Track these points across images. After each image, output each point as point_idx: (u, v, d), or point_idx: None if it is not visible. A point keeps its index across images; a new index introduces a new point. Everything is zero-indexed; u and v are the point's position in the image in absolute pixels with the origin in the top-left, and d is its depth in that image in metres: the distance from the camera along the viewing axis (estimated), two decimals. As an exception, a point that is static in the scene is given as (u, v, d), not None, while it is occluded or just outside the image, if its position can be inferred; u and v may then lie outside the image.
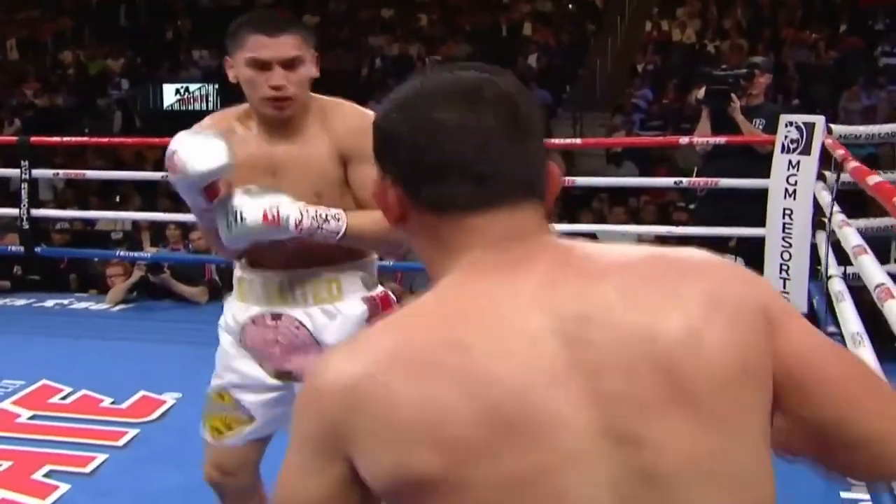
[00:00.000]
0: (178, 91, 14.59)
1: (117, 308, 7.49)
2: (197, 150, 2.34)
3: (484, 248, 1.09)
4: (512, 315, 1.05)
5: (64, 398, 5.32)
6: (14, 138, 8.31)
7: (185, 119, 10.63)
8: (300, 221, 2.37)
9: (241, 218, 2.35)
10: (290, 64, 2.41)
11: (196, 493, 3.41)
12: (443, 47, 15.08)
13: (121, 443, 4.70)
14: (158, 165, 9.13)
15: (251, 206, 2.35)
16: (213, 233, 2.54)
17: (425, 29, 15.74)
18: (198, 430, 3.60)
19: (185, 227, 7.99)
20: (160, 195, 10.10)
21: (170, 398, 5.23)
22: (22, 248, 7.64)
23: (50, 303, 7.77)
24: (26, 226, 7.58)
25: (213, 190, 2.39)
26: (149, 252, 7.95)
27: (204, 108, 14.19)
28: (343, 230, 2.42)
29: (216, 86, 14.37)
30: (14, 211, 7.69)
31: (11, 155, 8.20)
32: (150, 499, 4.07)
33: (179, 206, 7.08)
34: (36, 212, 7.66)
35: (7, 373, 5.57)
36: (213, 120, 2.68)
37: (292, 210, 2.38)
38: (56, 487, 4.16)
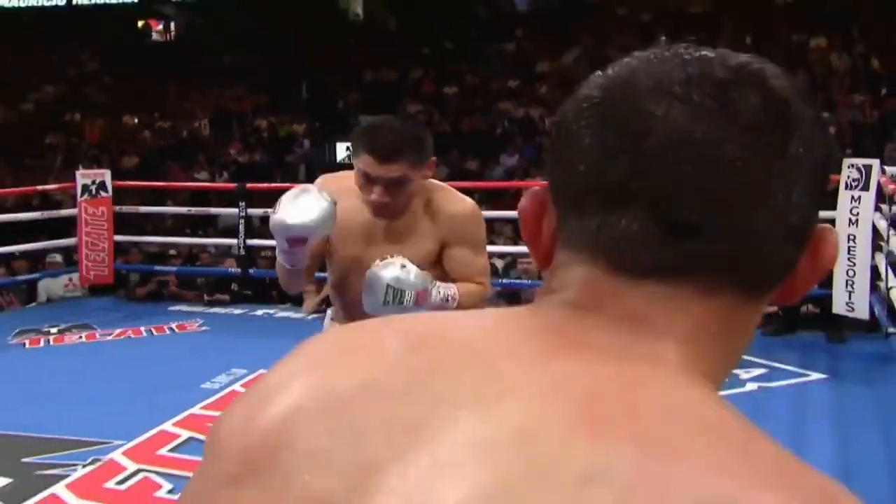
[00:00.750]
0: (347, 148, 15.39)
1: (311, 317, 7.86)
2: (295, 207, 2.26)
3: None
4: None
5: None
6: (233, 185, 8.95)
7: (352, 169, 11.67)
8: (433, 300, 2.31)
9: (402, 296, 2.26)
10: (394, 183, 2.30)
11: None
12: (558, 109, 15.48)
13: None
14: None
15: (410, 285, 2.27)
16: (287, 271, 2.48)
17: (544, 95, 15.90)
18: None
19: None
20: None
21: None
22: (239, 270, 8.43)
23: (259, 312, 8.28)
24: (242, 252, 8.37)
25: (299, 241, 2.32)
26: None
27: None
28: (453, 307, 2.33)
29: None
30: (232, 241, 8.56)
31: (227, 198, 9.05)
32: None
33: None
34: (250, 241, 8.36)
35: (233, 363, 6.01)
36: (339, 179, 2.58)
37: (434, 290, 2.34)
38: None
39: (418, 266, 2.35)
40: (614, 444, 0.49)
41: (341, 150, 15.21)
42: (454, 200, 2.50)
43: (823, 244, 0.61)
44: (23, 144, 17.65)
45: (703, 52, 0.61)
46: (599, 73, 0.64)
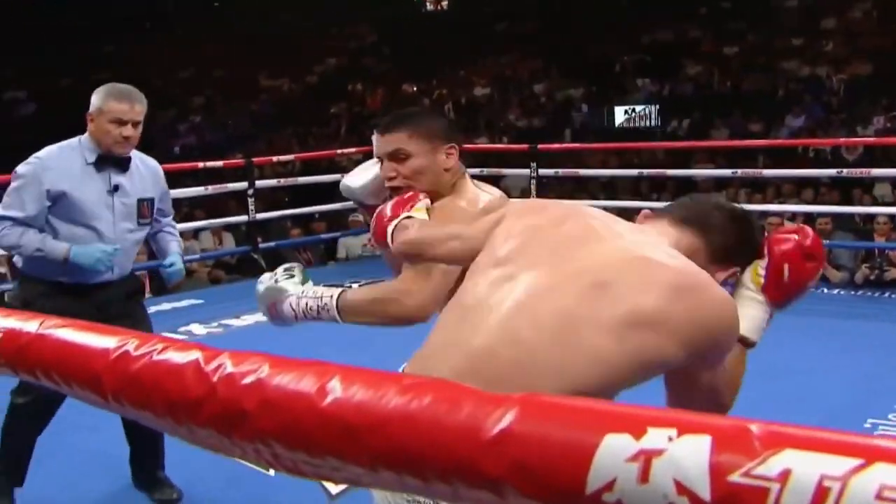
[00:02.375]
0: (626, 111, 16.04)
1: None
2: (356, 172, 2.52)
3: None
4: None
5: None
6: (525, 146, 9.65)
7: (631, 134, 12.49)
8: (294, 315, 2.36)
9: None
10: (394, 156, 2.32)
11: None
12: (847, 67, 15.27)
13: None
14: (623, 164, 10.60)
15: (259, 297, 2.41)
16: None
17: (830, 52, 15.99)
18: None
19: None
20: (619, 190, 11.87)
21: None
22: None
23: None
24: None
25: (365, 207, 2.52)
26: None
27: (647, 124, 15.68)
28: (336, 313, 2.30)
29: (657, 106, 15.80)
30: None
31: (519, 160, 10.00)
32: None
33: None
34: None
35: None
36: None
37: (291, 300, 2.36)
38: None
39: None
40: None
41: (619, 114, 15.79)
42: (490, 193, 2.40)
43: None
44: (308, 114, 19.83)
45: (715, 202, 1.93)
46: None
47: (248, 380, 0.83)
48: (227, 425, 0.83)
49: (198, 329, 6.52)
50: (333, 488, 3.31)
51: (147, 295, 8.10)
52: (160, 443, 3.71)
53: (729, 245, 1.77)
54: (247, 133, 19.24)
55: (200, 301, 7.50)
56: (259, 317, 6.71)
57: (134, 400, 0.92)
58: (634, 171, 9.57)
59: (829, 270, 7.50)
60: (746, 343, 1.80)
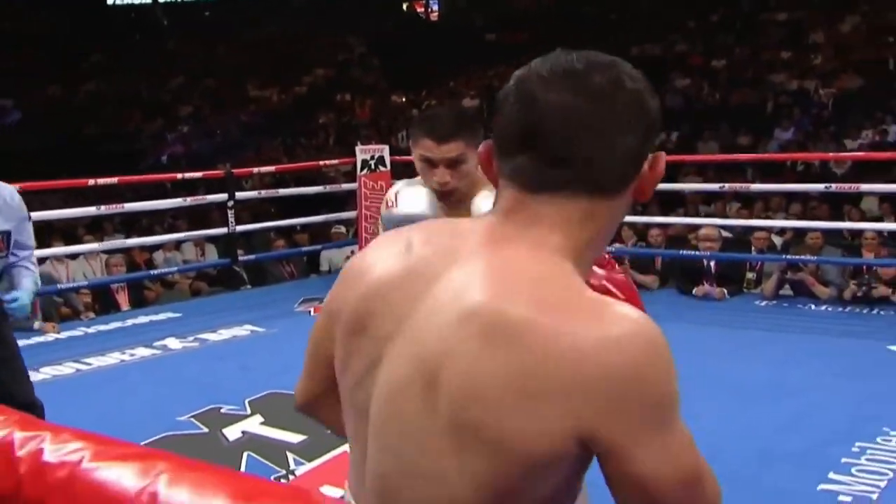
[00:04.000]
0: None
1: None
2: (409, 197, 2.54)
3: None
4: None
5: None
6: None
7: None
8: None
9: None
10: (453, 162, 2.47)
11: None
12: (836, 81, 15.15)
13: None
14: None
15: None
16: None
17: (819, 66, 15.85)
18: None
19: (636, 227, 8.82)
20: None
21: None
22: None
23: None
24: None
25: None
26: (612, 247, 8.82)
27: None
28: None
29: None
30: None
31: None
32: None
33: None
34: None
35: None
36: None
37: None
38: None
39: None
40: (496, 293, 1.03)
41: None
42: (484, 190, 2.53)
43: (657, 162, 1.13)
44: (297, 125, 19.72)
45: (574, 54, 1.10)
46: (519, 70, 1.12)
47: (61, 473, 0.65)
48: None
49: (173, 343, 6.34)
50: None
51: (125, 307, 7.93)
52: None
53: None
54: (235, 143, 19.09)
55: (179, 314, 7.31)
56: (237, 331, 6.65)
57: None
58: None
59: (818, 287, 7.34)
60: None
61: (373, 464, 1.11)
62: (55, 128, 19.84)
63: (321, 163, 10.45)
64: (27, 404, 3.37)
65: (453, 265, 1.09)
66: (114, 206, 7.60)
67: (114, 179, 7.60)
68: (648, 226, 8.65)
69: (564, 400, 0.98)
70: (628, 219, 9.07)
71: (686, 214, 10.32)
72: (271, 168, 9.84)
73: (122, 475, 0.61)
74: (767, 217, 9.91)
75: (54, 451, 0.67)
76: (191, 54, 22.51)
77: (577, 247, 1.10)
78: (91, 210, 7.59)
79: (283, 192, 9.65)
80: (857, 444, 4.19)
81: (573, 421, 0.98)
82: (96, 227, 10.57)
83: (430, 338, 1.05)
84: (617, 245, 8.43)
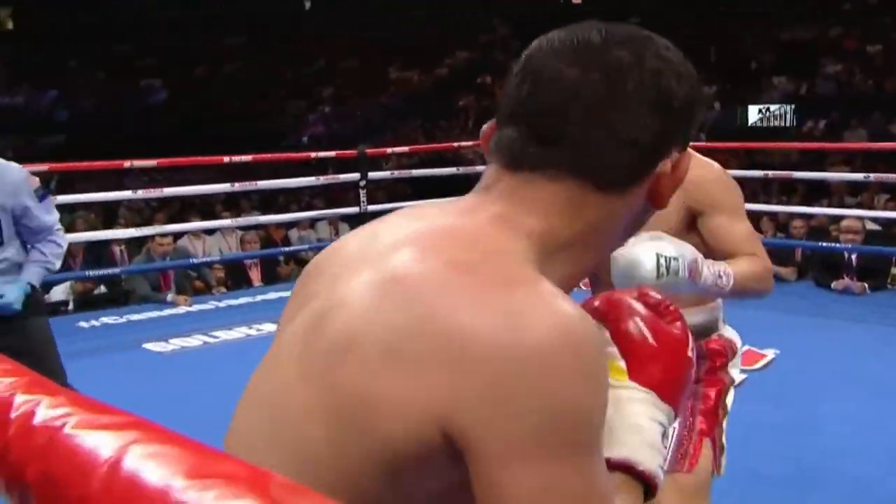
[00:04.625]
0: (760, 111, 15.66)
1: None
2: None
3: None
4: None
5: None
6: None
7: (765, 133, 11.92)
8: (704, 275, 2.00)
9: (676, 267, 1.91)
10: None
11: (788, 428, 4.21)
12: None
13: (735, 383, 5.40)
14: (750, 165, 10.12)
15: (679, 255, 1.93)
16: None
17: None
18: (791, 379, 4.77)
19: (777, 218, 8.80)
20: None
21: (770, 352, 5.55)
22: None
23: None
24: None
25: None
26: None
27: (781, 124, 15.16)
28: (729, 288, 2.07)
29: (792, 106, 15.30)
30: None
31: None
32: (760, 430, 4.18)
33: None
34: None
35: None
36: None
37: (705, 264, 2.02)
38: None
39: (665, 229, 2.05)
40: (418, 249, 0.88)
41: (753, 113, 15.27)
42: (697, 164, 2.19)
43: (681, 162, 0.95)
44: (436, 107, 19.86)
45: (600, 26, 0.96)
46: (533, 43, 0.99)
47: (41, 438, 0.64)
48: (15, 493, 0.65)
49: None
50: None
51: (258, 283, 8.12)
52: None
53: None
54: (375, 125, 19.31)
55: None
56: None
57: None
58: (759, 173, 9.08)
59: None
60: (635, 473, 0.95)
61: (240, 423, 0.98)
62: (200, 108, 20.47)
63: (456, 144, 10.48)
64: None
65: (400, 235, 0.94)
66: (247, 183, 7.78)
67: (248, 157, 7.78)
68: (791, 216, 8.38)
69: (438, 372, 0.80)
70: (768, 208, 8.87)
71: (830, 205, 9.92)
72: (405, 148, 9.88)
73: (98, 443, 0.60)
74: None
75: (44, 415, 0.66)
76: (332, 38, 22.84)
77: (551, 240, 0.93)
78: (225, 186, 7.79)
79: (415, 172, 9.69)
80: None
81: (442, 401, 0.79)
82: (233, 205, 10.85)
83: (338, 290, 0.92)
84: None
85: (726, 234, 2.26)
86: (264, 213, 9.90)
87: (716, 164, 2.34)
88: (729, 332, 2.47)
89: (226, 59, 23.03)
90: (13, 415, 0.69)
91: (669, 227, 2.12)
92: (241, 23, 22.98)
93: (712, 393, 2.38)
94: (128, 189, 8.20)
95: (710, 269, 2.03)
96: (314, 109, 21.02)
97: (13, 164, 3.31)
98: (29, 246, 3.34)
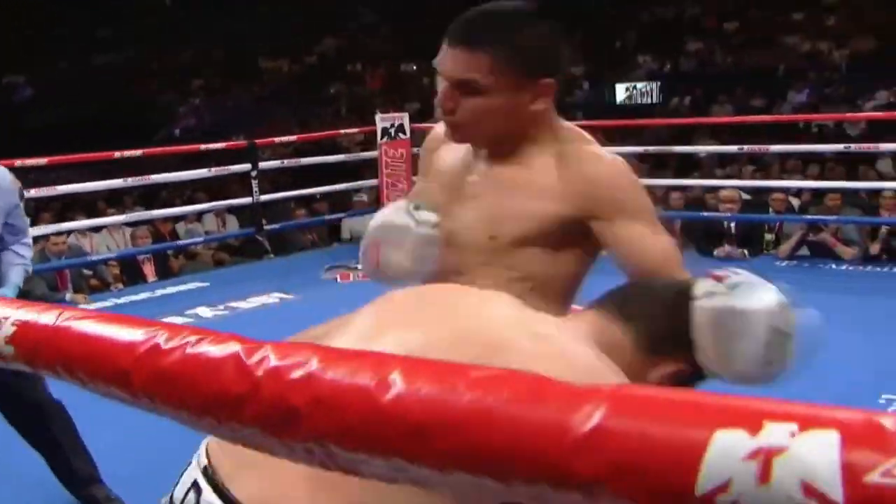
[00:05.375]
0: (627, 89, 16.15)
1: (604, 253, 8.90)
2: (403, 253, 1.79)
3: None
4: None
5: None
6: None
7: (633, 111, 12.31)
8: None
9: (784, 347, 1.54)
10: (461, 85, 1.69)
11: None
12: (849, 43, 15.11)
13: None
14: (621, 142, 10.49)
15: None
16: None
17: (832, 27, 15.84)
18: None
19: (654, 192, 9.28)
20: None
21: None
22: None
23: None
24: None
25: None
26: None
27: (648, 101, 15.71)
28: None
29: (658, 83, 15.85)
30: None
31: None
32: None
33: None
34: None
35: None
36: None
37: None
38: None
39: (532, 237, 1.75)
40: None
41: (620, 92, 15.81)
42: (600, 157, 1.80)
43: None
44: (308, 95, 19.84)
45: None
46: None
47: (296, 374, 0.75)
48: (274, 424, 0.76)
49: (204, 312, 6.46)
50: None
51: (152, 278, 8.08)
52: (76, 454, 3.30)
53: (656, 331, 1.42)
54: (247, 115, 19.14)
55: (206, 284, 7.44)
56: (265, 299, 6.78)
57: (167, 398, 0.85)
58: (639, 148, 9.47)
59: (841, 247, 7.44)
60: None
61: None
62: (67, 103, 19.92)
63: (341, 132, 10.56)
64: (35, 404, 3.21)
65: None
66: (140, 178, 7.72)
67: (138, 152, 7.72)
68: (669, 189, 8.77)
69: None
70: (647, 182, 9.26)
71: (702, 178, 10.39)
72: (293, 137, 9.92)
73: (357, 371, 0.70)
74: (784, 178, 9.99)
75: (281, 357, 0.74)
76: (198, 27, 22.49)
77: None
78: (118, 182, 7.71)
79: (305, 161, 9.73)
80: (884, 395, 4.37)
81: None
82: (117, 201, 10.69)
83: None
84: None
85: (645, 249, 1.78)
86: (148, 208, 9.78)
87: (619, 159, 1.85)
88: None
89: (93, 52, 22.41)
90: (250, 361, 0.80)
91: (542, 222, 1.76)
92: (108, 15, 22.41)
93: None
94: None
95: None
96: (185, 102, 20.69)
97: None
98: (2, 249, 3.27)
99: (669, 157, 10.84)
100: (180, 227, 9.53)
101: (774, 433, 0.55)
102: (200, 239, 8.58)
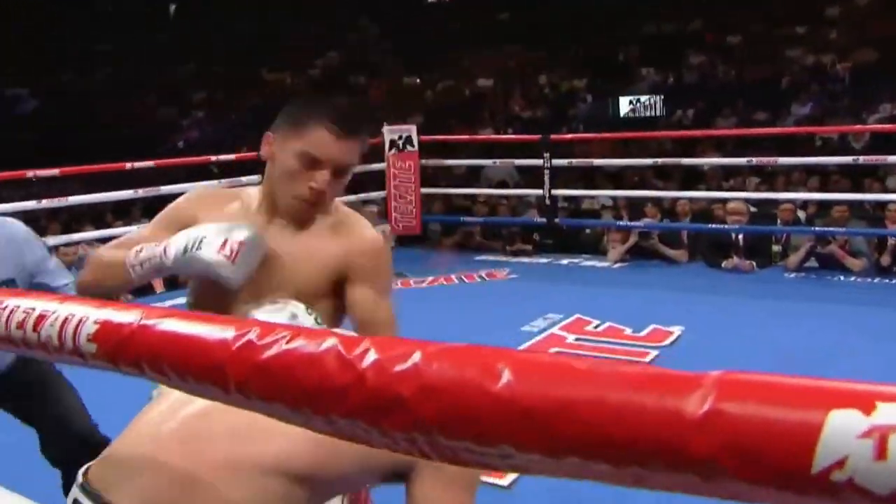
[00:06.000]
0: (630, 102, 16.15)
1: (617, 266, 8.35)
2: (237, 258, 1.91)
3: None
4: None
5: (596, 327, 5.98)
6: (537, 137, 9.38)
7: (637, 124, 12.29)
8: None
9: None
10: (343, 169, 2.02)
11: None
12: (852, 55, 15.14)
13: (647, 359, 5.19)
14: (627, 154, 10.49)
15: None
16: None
17: (835, 40, 15.88)
18: (702, 352, 4.93)
19: (658, 202, 8.99)
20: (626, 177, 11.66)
21: (676, 329, 5.79)
22: (544, 220, 9.14)
23: (564, 261, 8.75)
24: (548, 202, 9.00)
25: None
26: (642, 222, 8.68)
27: (651, 114, 15.72)
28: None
29: (661, 96, 15.87)
30: (537, 191, 9.22)
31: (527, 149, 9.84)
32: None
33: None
34: (555, 191, 9.00)
35: (548, 309, 6.43)
36: (215, 196, 2.26)
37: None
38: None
39: (307, 298, 1.99)
40: None
41: (624, 105, 15.77)
42: (369, 228, 2.19)
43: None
44: (311, 108, 19.81)
45: None
46: None
47: (401, 366, 0.78)
48: (377, 413, 0.79)
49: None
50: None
51: (160, 290, 8.09)
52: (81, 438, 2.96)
53: None
54: (249, 127, 19.17)
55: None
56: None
57: (263, 391, 0.87)
58: (648, 161, 9.48)
59: (849, 260, 7.46)
60: None
61: None
62: (70, 116, 19.95)
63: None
64: (82, 437, 2.94)
65: None
66: (150, 189, 7.74)
67: (150, 163, 7.74)
68: (675, 200, 8.80)
69: None
70: (654, 194, 9.28)
71: (709, 189, 10.42)
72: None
73: (464, 363, 0.72)
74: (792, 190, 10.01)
75: (383, 351, 0.76)
76: (199, 40, 22.55)
77: None
78: (128, 193, 7.72)
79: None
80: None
81: None
82: (124, 213, 10.71)
83: None
84: (646, 220, 8.56)
85: (372, 311, 2.09)
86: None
87: (378, 234, 2.21)
88: None
89: (94, 65, 22.45)
90: (352, 355, 0.82)
91: (320, 280, 2.09)
92: (108, 28, 22.47)
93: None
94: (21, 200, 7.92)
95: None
96: (187, 115, 20.73)
97: (11, 220, 2.94)
98: None
99: (674, 169, 10.86)
100: (187, 239, 9.51)
101: (886, 413, 0.58)
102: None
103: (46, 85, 21.54)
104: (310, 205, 2.03)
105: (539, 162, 9.02)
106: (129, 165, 7.37)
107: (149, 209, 11.31)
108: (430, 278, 8.01)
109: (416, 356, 0.79)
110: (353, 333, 0.87)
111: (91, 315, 1.10)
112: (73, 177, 10.63)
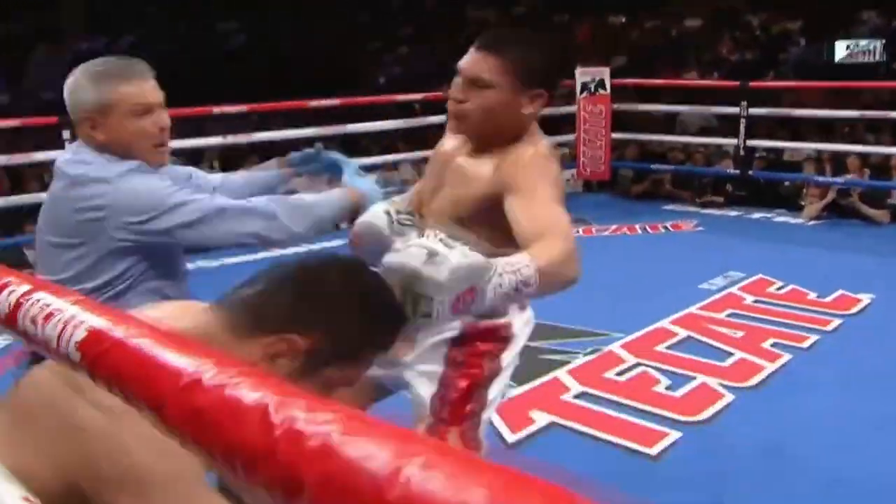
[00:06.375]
0: (847, 46, 15.13)
1: (811, 223, 8.02)
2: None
3: None
4: None
5: (778, 289, 5.75)
6: (736, 83, 9.08)
7: (853, 71, 11.43)
8: (488, 297, 1.65)
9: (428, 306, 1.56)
10: (473, 82, 2.07)
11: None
12: None
13: (829, 328, 4.98)
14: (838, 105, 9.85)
15: (441, 287, 1.57)
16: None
17: None
18: (891, 325, 4.65)
19: (865, 157, 8.47)
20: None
21: (865, 297, 5.49)
22: (737, 171, 8.82)
23: (755, 215, 8.42)
24: (742, 153, 8.69)
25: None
26: (843, 178, 8.31)
27: (870, 60, 14.67)
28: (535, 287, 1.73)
29: (882, 41, 14.77)
30: (732, 141, 8.86)
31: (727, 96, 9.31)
32: (859, 376, 4.27)
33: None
34: (750, 142, 8.63)
35: (730, 266, 6.20)
36: None
37: (493, 283, 1.65)
38: (780, 356, 4.54)
39: (458, 215, 2.10)
40: None
41: (840, 49, 15.00)
42: (532, 145, 2.13)
43: None
44: (515, 45, 19.63)
45: None
46: None
47: (313, 442, 0.66)
48: (281, 492, 0.68)
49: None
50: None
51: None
52: None
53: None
54: (451, 66, 19.18)
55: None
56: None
57: (196, 438, 0.80)
58: (855, 113, 8.84)
59: None
60: None
61: None
62: (280, 51, 20.50)
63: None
64: None
65: None
66: (334, 127, 7.82)
67: (334, 101, 7.79)
68: (888, 157, 8.20)
69: None
70: (859, 149, 8.64)
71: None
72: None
73: (375, 454, 0.62)
74: None
75: (308, 417, 0.68)
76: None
77: None
78: (312, 131, 7.77)
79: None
80: None
81: None
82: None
83: None
84: (847, 176, 8.12)
85: (526, 222, 1.96)
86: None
87: (540, 145, 2.15)
88: (520, 318, 2.27)
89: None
90: (275, 419, 0.71)
91: (469, 199, 2.13)
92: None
93: (463, 384, 2.22)
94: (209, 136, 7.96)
95: (503, 284, 1.65)
96: (391, 50, 20.93)
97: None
98: None
99: (887, 123, 10.09)
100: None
101: None
102: (395, 188, 8.60)
103: (255, 20, 22.17)
104: (454, 119, 2.13)
105: (736, 110, 8.64)
106: (311, 104, 7.42)
107: (343, 144, 11.50)
108: (614, 226, 7.87)
109: (334, 433, 0.67)
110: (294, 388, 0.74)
111: (87, 321, 1.04)
112: (270, 113, 10.91)
